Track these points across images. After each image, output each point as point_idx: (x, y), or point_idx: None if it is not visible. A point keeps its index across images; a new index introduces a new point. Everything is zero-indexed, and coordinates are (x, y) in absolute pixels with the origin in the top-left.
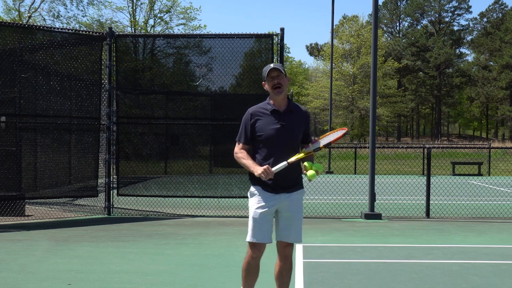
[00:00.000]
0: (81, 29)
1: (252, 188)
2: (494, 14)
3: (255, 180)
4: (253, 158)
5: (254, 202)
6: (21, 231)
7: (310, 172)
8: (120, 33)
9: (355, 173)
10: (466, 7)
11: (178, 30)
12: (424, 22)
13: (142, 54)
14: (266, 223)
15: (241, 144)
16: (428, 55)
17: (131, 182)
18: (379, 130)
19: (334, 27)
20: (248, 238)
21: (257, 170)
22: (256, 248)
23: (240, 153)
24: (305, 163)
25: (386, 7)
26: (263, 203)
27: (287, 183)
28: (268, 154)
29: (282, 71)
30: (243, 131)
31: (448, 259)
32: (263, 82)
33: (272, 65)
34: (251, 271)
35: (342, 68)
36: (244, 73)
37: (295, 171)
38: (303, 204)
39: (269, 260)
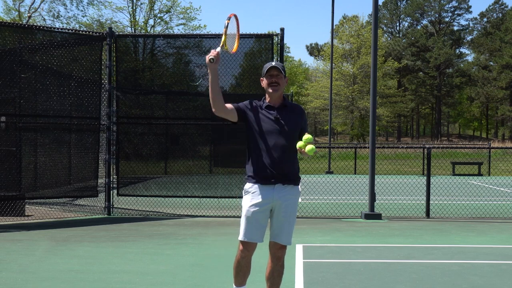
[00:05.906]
0: (81, 29)
1: (247, 185)
2: (494, 14)
3: (250, 177)
4: (249, 155)
5: (248, 200)
6: (21, 231)
7: (309, 147)
8: (120, 33)
9: (355, 173)
10: (466, 7)
11: (178, 30)
12: (424, 22)
13: (142, 54)
14: (258, 222)
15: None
16: (428, 55)
17: (131, 182)
18: (379, 130)
19: (334, 27)
20: (240, 236)
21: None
22: (247, 247)
23: None
24: (298, 143)
25: (386, 7)
26: (257, 202)
27: (282, 172)
28: (262, 147)
29: (282, 71)
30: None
31: (448, 259)
32: (261, 78)
33: (273, 63)
34: (241, 269)
35: (342, 68)
36: (244, 73)
37: (290, 163)
38: (298, 204)
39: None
